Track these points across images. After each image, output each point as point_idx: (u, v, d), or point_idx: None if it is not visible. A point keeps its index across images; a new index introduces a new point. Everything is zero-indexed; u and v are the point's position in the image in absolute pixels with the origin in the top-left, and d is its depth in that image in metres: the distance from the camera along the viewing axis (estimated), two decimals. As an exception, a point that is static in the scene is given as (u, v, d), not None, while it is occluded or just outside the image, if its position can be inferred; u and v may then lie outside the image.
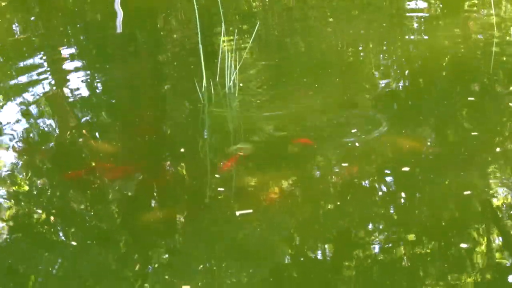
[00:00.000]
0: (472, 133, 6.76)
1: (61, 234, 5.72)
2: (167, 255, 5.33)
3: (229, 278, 5.04)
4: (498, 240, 5.30)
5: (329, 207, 5.80)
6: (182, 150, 6.83)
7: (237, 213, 5.61)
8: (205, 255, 5.27)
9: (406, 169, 6.17)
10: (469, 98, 7.48)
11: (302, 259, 5.24)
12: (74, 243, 5.54)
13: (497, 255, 5.16)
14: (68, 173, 6.47)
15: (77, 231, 5.69)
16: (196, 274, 5.08)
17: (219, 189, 6.08)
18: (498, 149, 6.52)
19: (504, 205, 5.68)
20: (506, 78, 8.06)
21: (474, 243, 5.25)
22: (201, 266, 5.17)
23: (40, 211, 5.91)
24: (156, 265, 5.24)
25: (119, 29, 10.05)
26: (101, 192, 6.22)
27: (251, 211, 5.65)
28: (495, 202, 5.73)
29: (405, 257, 5.17)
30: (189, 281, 4.98)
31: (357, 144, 6.64)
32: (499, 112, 7.21)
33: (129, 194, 6.20)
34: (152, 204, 6.09)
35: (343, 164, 6.36)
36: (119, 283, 5.09)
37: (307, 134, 6.90)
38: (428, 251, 5.21)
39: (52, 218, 5.85)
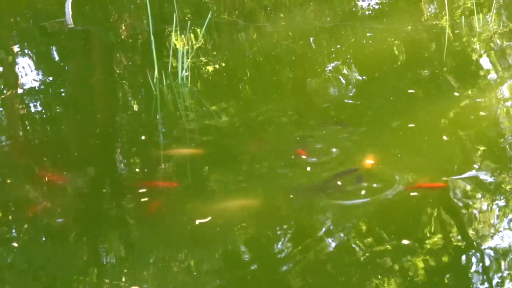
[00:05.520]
0: (409, 125, 6.77)
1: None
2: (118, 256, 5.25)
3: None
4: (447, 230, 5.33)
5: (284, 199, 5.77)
6: (143, 137, 6.78)
7: (197, 221, 5.49)
8: (158, 256, 5.20)
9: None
10: (409, 91, 7.49)
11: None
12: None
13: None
14: None
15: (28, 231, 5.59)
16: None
17: (174, 181, 6.04)
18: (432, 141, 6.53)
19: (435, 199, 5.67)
20: (458, 69, 8.14)
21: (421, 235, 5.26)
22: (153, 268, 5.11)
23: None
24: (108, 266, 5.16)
25: (69, 22, 9.94)
26: (52, 190, 6.10)
27: (209, 218, 5.53)
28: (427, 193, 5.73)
29: (358, 251, 5.17)
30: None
31: (298, 138, 6.61)
32: (444, 103, 7.24)
33: (79, 192, 6.08)
34: (98, 201, 5.98)
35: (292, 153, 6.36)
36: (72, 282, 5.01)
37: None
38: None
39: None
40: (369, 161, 6.08)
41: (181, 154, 6.54)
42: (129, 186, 6.05)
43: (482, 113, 6.93)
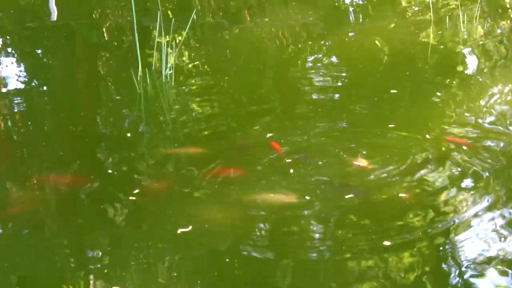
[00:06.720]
0: (390, 125, 6.76)
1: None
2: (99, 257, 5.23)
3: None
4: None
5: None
6: (128, 135, 6.75)
7: (179, 230, 5.43)
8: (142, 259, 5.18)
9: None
10: (392, 91, 7.50)
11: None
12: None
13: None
14: None
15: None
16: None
17: (157, 180, 6.02)
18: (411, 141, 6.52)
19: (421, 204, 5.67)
20: (441, 69, 8.16)
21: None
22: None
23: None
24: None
25: (53, 16, 9.90)
26: (34, 190, 6.05)
27: (190, 227, 5.48)
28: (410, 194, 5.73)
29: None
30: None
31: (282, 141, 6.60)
32: (426, 103, 7.25)
33: (61, 191, 6.04)
34: (82, 201, 5.94)
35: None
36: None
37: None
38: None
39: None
40: (353, 162, 6.10)
41: (166, 152, 6.54)
42: (113, 185, 6.04)
43: (466, 114, 6.97)
